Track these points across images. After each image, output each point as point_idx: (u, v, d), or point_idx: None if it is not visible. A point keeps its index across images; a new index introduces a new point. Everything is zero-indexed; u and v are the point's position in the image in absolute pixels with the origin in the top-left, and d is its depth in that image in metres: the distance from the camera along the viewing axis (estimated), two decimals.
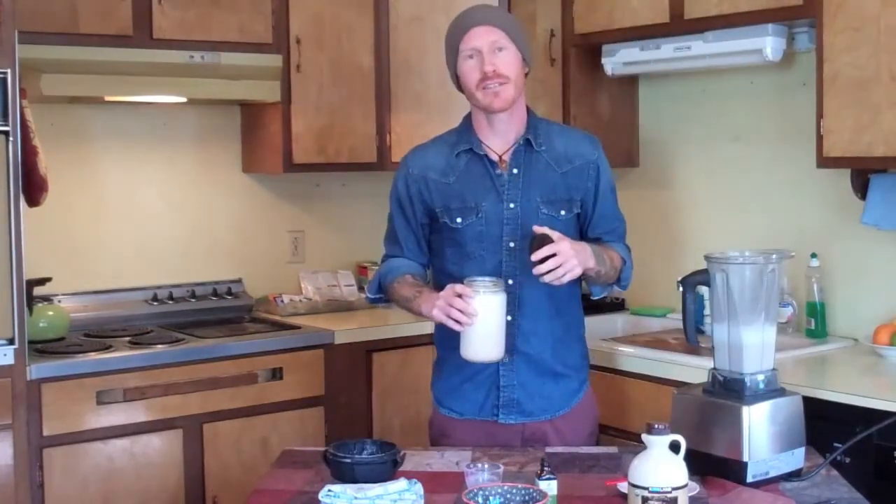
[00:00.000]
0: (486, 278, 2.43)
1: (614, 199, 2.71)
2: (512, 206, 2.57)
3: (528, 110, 2.67)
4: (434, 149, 2.69)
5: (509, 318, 2.56)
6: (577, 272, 2.40)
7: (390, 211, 2.75)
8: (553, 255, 2.35)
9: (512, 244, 2.58)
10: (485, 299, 2.39)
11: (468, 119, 2.67)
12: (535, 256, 2.36)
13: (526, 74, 2.63)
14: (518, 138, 2.61)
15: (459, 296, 2.38)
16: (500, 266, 2.58)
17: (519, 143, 2.60)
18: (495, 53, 2.53)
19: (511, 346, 2.58)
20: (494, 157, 2.60)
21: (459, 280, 2.48)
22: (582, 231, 2.67)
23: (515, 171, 2.59)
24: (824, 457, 2.38)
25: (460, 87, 2.63)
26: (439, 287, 2.55)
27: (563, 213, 2.60)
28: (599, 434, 2.81)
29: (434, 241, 2.70)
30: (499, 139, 2.61)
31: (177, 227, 4.19)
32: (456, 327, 2.40)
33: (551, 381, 2.63)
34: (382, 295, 2.73)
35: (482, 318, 2.38)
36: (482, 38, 2.52)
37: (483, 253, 2.59)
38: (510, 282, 2.57)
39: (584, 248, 2.47)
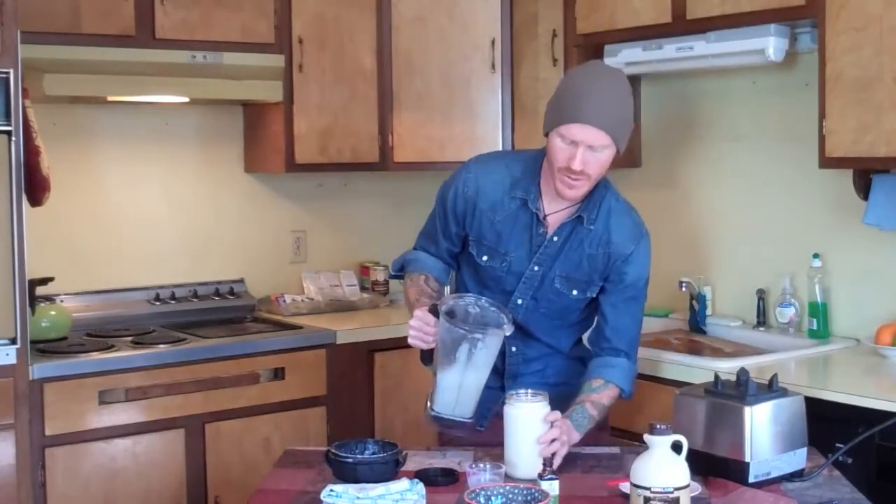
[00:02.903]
0: (530, 392, 2.37)
1: (634, 308, 2.60)
2: (536, 269, 2.54)
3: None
4: (496, 174, 2.56)
5: (514, 349, 2.62)
6: (565, 450, 2.38)
7: (435, 205, 2.69)
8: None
9: (520, 301, 2.57)
10: (526, 413, 2.35)
11: (539, 161, 2.55)
12: (544, 446, 2.33)
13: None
14: (573, 209, 2.53)
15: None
16: (509, 307, 2.55)
17: (571, 216, 2.52)
18: (591, 152, 2.39)
19: (515, 372, 2.65)
20: (543, 216, 2.53)
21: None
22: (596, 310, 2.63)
23: (556, 238, 2.53)
24: (826, 457, 2.38)
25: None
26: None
27: (574, 292, 2.56)
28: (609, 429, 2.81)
29: (462, 253, 2.68)
30: (557, 202, 2.52)
31: (179, 226, 4.20)
32: (412, 343, 2.43)
33: (559, 390, 2.61)
34: (402, 275, 2.74)
35: (522, 432, 2.33)
36: (586, 136, 2.37)
37: (496, 289, 2.58)
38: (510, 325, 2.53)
39: (571, 428, 2.43)
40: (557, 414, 2.37)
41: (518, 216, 2.54)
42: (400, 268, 2.74)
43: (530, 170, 2.55)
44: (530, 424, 2.33)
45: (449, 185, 2.62)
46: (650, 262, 2.60)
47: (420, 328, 2.41)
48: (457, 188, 2.59)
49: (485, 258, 2.57)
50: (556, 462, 2.32)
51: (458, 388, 2.37)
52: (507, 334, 2.38)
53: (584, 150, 2.38)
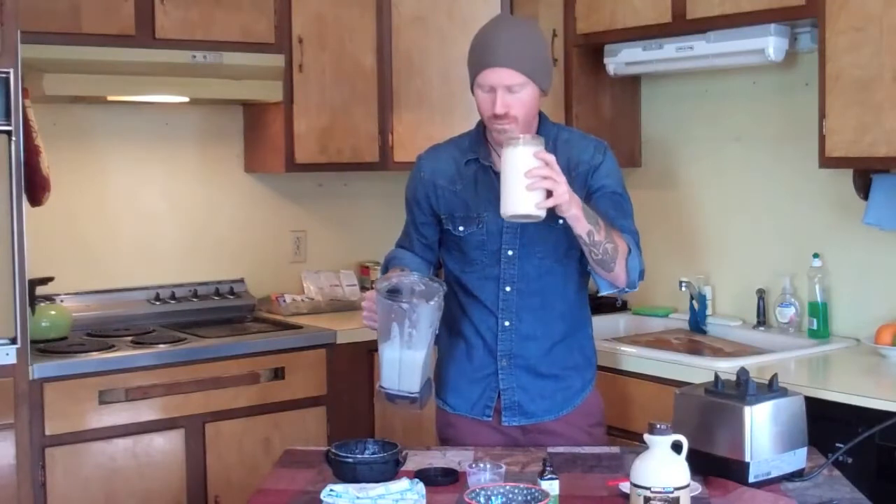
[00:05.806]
0: (528, 135, 2.36)
1: (617, 200, 2.58)
2: None
3: (542, 116, 2.62)
4: (447, 153, 2.69)
5: (507, 323, 2.60)
6: (563, 198, 2.27)
7: (405, 206, 2.79)
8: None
9: (510, 252, 2.59)
10: (514, 151, 2.29)
11: (481, 125, 2.64)
12: (530, 174, 2.25)
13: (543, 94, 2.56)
14: None
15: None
16: (500, 272, 2.59)
17: None
18: (511, 93, 2.46)
19: (508, 350, 2.62)
20: (499, 169, 2.56)
21: (461, 282, 2.61)
22: None
23: None
24: (826, 457, 2.38)
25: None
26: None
27: (560, 221, 2.51)
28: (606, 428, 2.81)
29: (442, 242, 2.73)
30: None
31: (179, 226, 4.20)
32: (365, 323, 2.49)
33: (552, 383, 2.64)
34: None
35: (511, 168, 2.28)
36: (500, 78, 2.45)
37: (484, 259, 2.61)
38: (507, 289, 2.59)
39: (579, 200, 2.37)
40: (549, 156, 2.29)
41: (477, 178, 2.60)
42: (385, 270, 2.78)
43: (475, 136, 2.65)
44: (521, 160, 2.26)
45: (409, 181, 2.74)
46: (620, 171, 2.65)
47: (369, 308, 2.47)
48: (415, 178, 2.71)
49: (461, 228, 2.62)
50: (549, 203, 2.25)
51: (399, 362, 2.40)
52: (432, 303, 2.36)
53: (503, 92, 2.46)
